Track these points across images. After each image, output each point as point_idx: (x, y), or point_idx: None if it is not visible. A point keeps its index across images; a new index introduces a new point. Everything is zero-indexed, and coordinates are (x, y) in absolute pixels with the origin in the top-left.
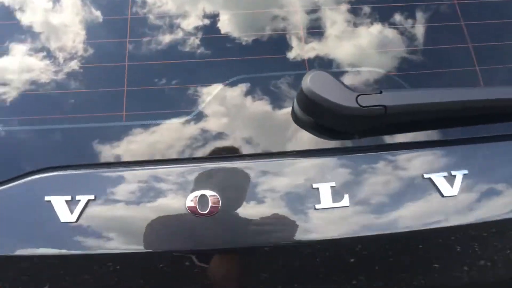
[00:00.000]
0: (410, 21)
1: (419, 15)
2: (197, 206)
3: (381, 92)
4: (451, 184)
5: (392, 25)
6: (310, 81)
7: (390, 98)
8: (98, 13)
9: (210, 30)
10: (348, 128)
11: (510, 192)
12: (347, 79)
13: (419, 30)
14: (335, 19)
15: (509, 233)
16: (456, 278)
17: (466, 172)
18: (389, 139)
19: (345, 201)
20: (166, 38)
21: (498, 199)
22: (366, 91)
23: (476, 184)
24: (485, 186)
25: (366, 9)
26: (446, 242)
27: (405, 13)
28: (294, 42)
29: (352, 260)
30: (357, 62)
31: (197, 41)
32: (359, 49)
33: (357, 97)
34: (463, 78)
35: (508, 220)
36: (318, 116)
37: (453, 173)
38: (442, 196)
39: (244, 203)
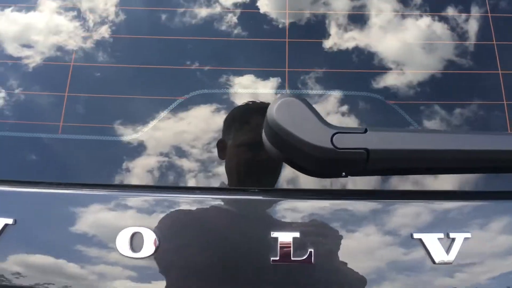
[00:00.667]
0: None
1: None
2: (129, 245)
3: (365, 131)
4: (447, 249)
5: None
6: (277, 110)
7: (376, 140)
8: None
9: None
10: (321, 170)
11: None
12: (329, 106)
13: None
14: (319, 26)
15: None
16: None
17: (467, 235)
18: (367, 184)
19: (308, 257)
20: (118, 43)
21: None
22: (349, 126)
23: (478, 250)
24: (488, 253)
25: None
26: None
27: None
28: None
29: None
30: (346, 84)
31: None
32: (350, 64)
33: (333, 136)
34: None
35: None
36: (286, 151)
37: (451, 235)
38: (434, 262)
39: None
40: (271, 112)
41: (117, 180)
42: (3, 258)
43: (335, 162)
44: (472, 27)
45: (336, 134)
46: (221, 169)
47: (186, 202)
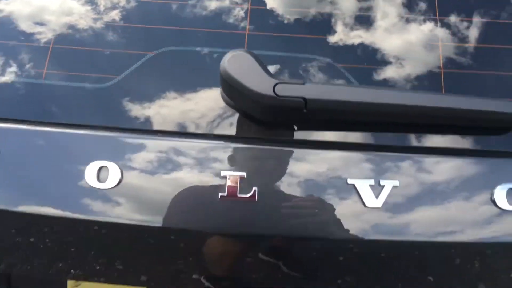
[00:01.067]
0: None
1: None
2: (96, 177)
3: (304, 83)
4: (376, 194)
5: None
6: (228, 62)
7: (313, 91)
8: None
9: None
10: (266, 117)
11: (441, 213)
12: (282, 66)
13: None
14: None
15: (434, 258)
16: None
17: (396, 183)
18: (311, 135)
19: (253, 194)
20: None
21: (425, 218)
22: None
23: (405, 198)
24: (414, 202)
25: None
26: (355, 255)
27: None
28: (237, 18)
29: (250, 255)
30: (300, 46)
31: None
32: (305, 29)
33: (275, 85)
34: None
35: (434, 243)
36: (236, 100)
37: (381, 182)
38: (364, 206)
39: (148, 178)
40: (223, 63)
41: (90, 121)
42: None
43: (277, 109)
44: None
45: (278, 84)
46: (183, 116)
47: (149, 144)
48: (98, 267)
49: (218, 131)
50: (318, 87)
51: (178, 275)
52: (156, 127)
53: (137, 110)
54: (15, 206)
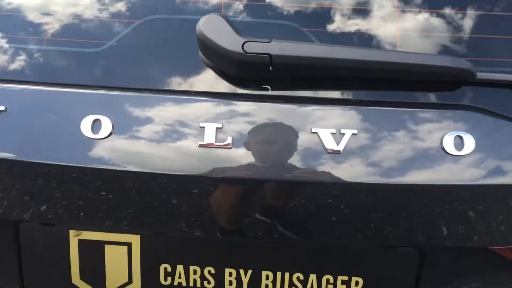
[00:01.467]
0: None
1: None
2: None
3: (270, 41)
4: (337, 141)
5: None
6: (203, 23)
7: (278, 48)
8: None
9: None
10: (237, 73)
11: (395, 157)
12: (255, 31)
13: None
14: None
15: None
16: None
17: (355, 132)
18: (280, 90)
19: (227, 143)
20: None
21: (381, 163)
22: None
23: (363, 145)
24: (371, 148)
25: None
26: (318, 197)
27: None
28: None
29: (226, 197)
30: (270, 14)
31: None
32: None
33: (244, 43)
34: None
35: (387, 185)
36: (211, 59)
37: (341, 131)
38: (326, 152)
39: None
40: (199, 25)
41: (85, 80)
42: None
43: (245, 65)
44: None
45: (246, 42)
46: (167, 75)
47: (137, 100)
48: (95, 216)
49: (197, 88)
50: (282, 45)
51: (166, 219)
52: (143, 85)
53: (127, 71)
54: (21, 156)
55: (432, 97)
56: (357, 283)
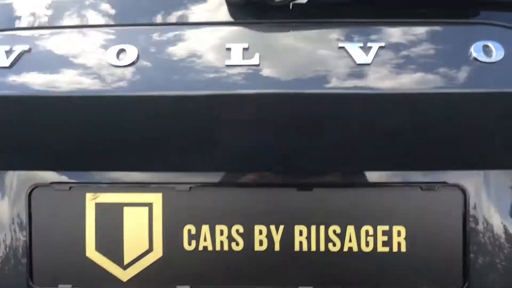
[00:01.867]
0: None
1: None
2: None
3: None
4: (366, 54)
5: None
6: None
7: None
8: None
9: None
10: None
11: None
12: None
13: None
14: None
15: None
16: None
17: (382, 44)
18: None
19: (256, 59)
20: None
21: (410, 73)
22: None
23: (391, 57)
24: (399, 60)
25: None
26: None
27: None
28: None
29: (258, 114)
30: None
31: None
32: None
33: None
34: None
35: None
36: None
37: (368, 44)
38: (356, 64)
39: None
40: None
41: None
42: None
43: None
44: None
45: None
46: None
47: (164, 31)
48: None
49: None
50: None
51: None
52: (168, 20)
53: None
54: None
55: (457, 14)
56: (399, 233)
